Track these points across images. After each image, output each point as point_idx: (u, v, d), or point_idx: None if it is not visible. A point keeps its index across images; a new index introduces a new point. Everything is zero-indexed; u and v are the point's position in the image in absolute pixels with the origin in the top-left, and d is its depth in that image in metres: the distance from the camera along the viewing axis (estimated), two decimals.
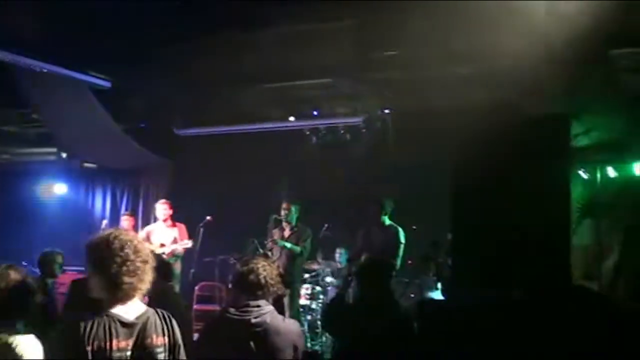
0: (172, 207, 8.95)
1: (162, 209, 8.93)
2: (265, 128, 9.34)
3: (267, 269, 3.65)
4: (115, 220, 9.54)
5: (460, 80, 7.98)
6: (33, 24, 7.34)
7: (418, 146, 8.13)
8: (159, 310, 2.96)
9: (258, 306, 3.57)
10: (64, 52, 7.55)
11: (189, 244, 8.49)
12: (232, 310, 3.58)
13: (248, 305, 3.57)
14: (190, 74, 8.93)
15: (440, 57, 7.54)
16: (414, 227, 7.99)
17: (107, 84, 8.20)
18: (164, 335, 2.87)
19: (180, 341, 2.93)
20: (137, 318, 2.83)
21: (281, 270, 8.01)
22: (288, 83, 9.10)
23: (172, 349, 2.90)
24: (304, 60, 8.44)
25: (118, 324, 2.77)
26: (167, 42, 8.27)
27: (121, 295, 2.82)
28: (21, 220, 10.56)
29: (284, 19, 7.64)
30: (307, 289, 8.63)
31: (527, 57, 5.93)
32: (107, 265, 2.82)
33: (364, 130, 8.93)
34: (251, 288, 3.59)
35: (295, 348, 3.62)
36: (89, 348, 2.68)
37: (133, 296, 2.86)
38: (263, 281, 3.59)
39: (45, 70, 7.55)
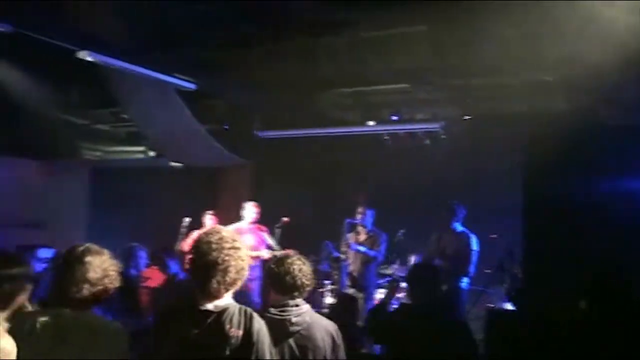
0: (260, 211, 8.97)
1: (251, 210, 8.96)
2: (344, 132, 9.39)
3: (302, 269, 3.67)
4: (197, 218, 9.78)
5: (541, 87, 7.84)
6: (124, 28, 7.71)
7: (496, 153, 8.01)
8: (243, 306, 3.06)
9: (297, 305, 3.61)
10: (152, 55, 7.88)
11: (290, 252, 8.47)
12: (272, 310, 3.61)
13: (287, 305, 3.60)
14: (272, 78, 9.13)
15: (521, 63, 7.43)
16: (494, 235, 7.84)
17: (192, 86, 8.45)
18: (239, 328, 2.96)
19: (257, 339, 2.97)
20: (215, 307, 2.97)
21: (355, 274, 8.12)
22: (368, 88, 9.16)
23: (247, 344, 2.94)
24: (383, 65, 8.47)
25: (195, 311, 2.95)
26: (249, 46, 8.51)
27: (205, 294, 2.98)
28: (110, 216, 11.00)
29: (363, 23, 7.70)
30: (381, 293, 8.65)
31: (610, 65, 5.75)
32: (190, 267, 3.05)
33: (443, 136, 8.85)
34: (288, 290, 3.62)
35: (335, 347, 3.64)
36: (166, 332, 2.96)
37: (218, 293, 2.98)
38: (299, 282, 3.62)
39: (134, 72, 7.86)
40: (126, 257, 6.71)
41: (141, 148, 11.60)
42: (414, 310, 4.37)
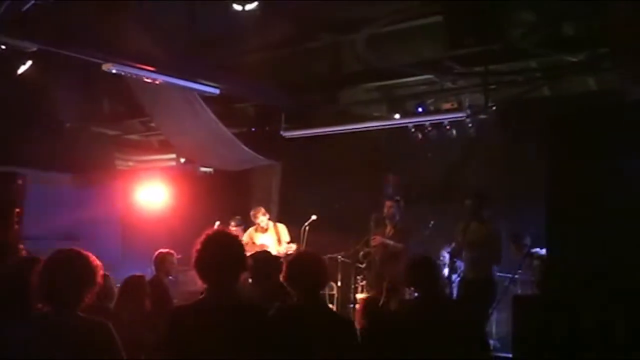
0: (268, 212, 9.28)
1: (260, 213, 9.21)
2: (370, 127, 9.34)
3: (313, 267, 3.69)
4: (228, 220, 9.86)
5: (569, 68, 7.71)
6: (145, 39, 7.81)
7: (523, 140, 7.88)
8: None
9: (309, 300, 3.63)
10: (174, 64, 7.96)
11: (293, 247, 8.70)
12: (286, 304, 3.71)
13: (302, 300, 3.65)
14: (295, 77, 9.19)
15: (547, 44, 7.32)
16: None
17: (215, 91, 8.49)
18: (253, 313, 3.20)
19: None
20: (231, 299, 3.14)
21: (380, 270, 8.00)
22: (391, 81, 9.12)
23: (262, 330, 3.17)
24: (405, 57, 8.45)
25: (213, 307, 3.10)
26: (272, 48, 8.57)
27: (217, 289, 3.14)
28: (144, 223, 11.12)
29: (381, 17, 7.68)
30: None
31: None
32: (201, 265, 3.19)
33: (469, 125, 8.74)
34: (301, 286, 3.65)
35: (342, 342, 3.60)
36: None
37: (220, 284, 3.13)
38: (311, 280, 3.65)
39: (157, 81, 7.93)
40: (156, 263, 6.84)
41: (172, 155, 11.74)
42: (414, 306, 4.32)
